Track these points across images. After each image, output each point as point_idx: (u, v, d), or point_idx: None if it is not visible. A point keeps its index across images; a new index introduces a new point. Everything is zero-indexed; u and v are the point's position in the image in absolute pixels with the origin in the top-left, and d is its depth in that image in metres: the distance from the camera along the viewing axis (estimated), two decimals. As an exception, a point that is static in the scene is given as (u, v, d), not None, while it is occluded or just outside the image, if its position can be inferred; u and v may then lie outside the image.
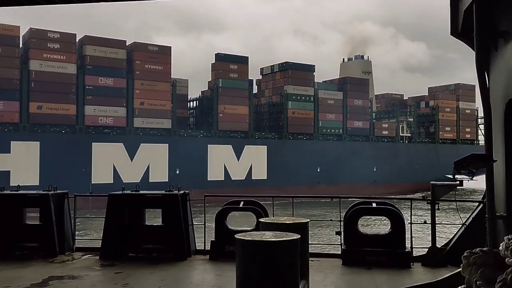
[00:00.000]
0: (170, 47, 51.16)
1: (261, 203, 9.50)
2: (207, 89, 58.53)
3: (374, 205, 9.10)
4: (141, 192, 9.86)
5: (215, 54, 56.10)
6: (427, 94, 76.50)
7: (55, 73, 44.08)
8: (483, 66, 6.08)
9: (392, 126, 67.75)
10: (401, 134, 67.98)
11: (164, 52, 50.49)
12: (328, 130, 60.45)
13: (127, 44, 48.96)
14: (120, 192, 9.96)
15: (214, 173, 51.63)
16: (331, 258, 9.18)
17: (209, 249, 9.52)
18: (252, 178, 53.85)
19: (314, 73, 61.29)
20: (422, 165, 64.89)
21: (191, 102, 60.88)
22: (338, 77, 73.80)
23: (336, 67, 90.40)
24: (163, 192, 9.75)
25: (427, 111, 72.73)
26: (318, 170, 56.97)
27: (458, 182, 7.96)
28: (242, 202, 9.70)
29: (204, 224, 9.88)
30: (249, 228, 9.00)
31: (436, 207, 8.53)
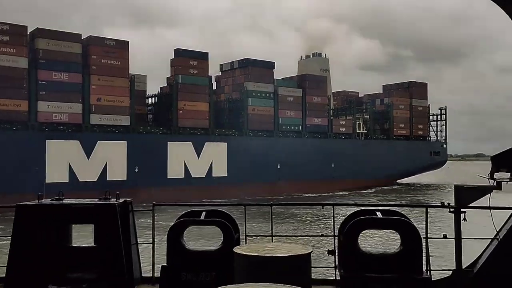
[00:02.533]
0: (128, 41, 49.87)
1: (228, 212, 7.43)
2: (166, 85, 57.47)
3: (379, 214, 7.01)
4: (65, 201, 7.23)
5: (175, 49, 55.13)
6: (381, 92, 78.63)
7: (4, 67, 41.79)
8: None
9: (349, 123, 69.17)
10: (357, 131, 69.55)
11: (122, 47, 49.06)
12: (288, 127, 60.91)
13: (82, 38, 47.16)
14: (36, 201, 7.18)
15: (174, 171, 50.84)
16: (324, 286, 7.21)
17: (159, 276, 7.21)
18: (213, 176, 53.48)
19: (273, 70, 61.60)
20: (378, 161, 66.66)
21: (150, 99, 59.58)
22: (297, 74, 74.46)
23: (293, 63, 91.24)
24: (96, 201, 7.21)
25: (382, 108, 74.71)
26: (279, 167, 57.31)
27: (494, 184, 6.19)
28: (204, 213, 7.35)
29: (153, 243, 7.64)
30: (214, 248, 7.14)
31: (462, 217, 6.71)
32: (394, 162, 68.81)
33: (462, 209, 6.69)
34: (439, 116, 79.84)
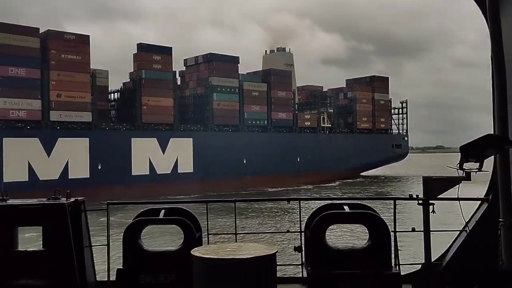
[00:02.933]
0: (89, 36, 48.71)
1: (189, 210, 6.96)
2: (129, 80, 56.46)
3: (346, 208, 6.72)
4: (10, 202, 6.59)
5: (137, 44, 54.21)
6: (345, 86, 79.82)
7: (-43, 63, 40.13)
8: (495, 19, 4.80)
9: (314, 117, 69.98)
10: (322, 125, 70.44)
11: (82, 41, 47.85)
12: (253, 122, 61.10)
13: (40, 32, 45.67)
14: None
15: (139, 167, 50.13)
16: (291, 285, 6.80)
17: (115, 279, 6.72)
18: (178, 172, 53.05)
19: (238, 65, 61.54)
20: (342, 154, 67.80)
21: (113, 94, 58.40)
22: (262, 69, 74.60)
23: (258, 58, 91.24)
24: (44, 201, 6.61)
25: (345, 102, 75.90)
26: (244, 161, 57.41)
27: (463, 174, 5.89)
28: (163, 211, 6.90)
29: (108, 244, 7.14)
30: (174, 248, 6.67)
31: (431, 210, 6.40)
32: (358, 155, 70.14)
33: (430, 201, 6.37)
34: (400, 110, 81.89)
